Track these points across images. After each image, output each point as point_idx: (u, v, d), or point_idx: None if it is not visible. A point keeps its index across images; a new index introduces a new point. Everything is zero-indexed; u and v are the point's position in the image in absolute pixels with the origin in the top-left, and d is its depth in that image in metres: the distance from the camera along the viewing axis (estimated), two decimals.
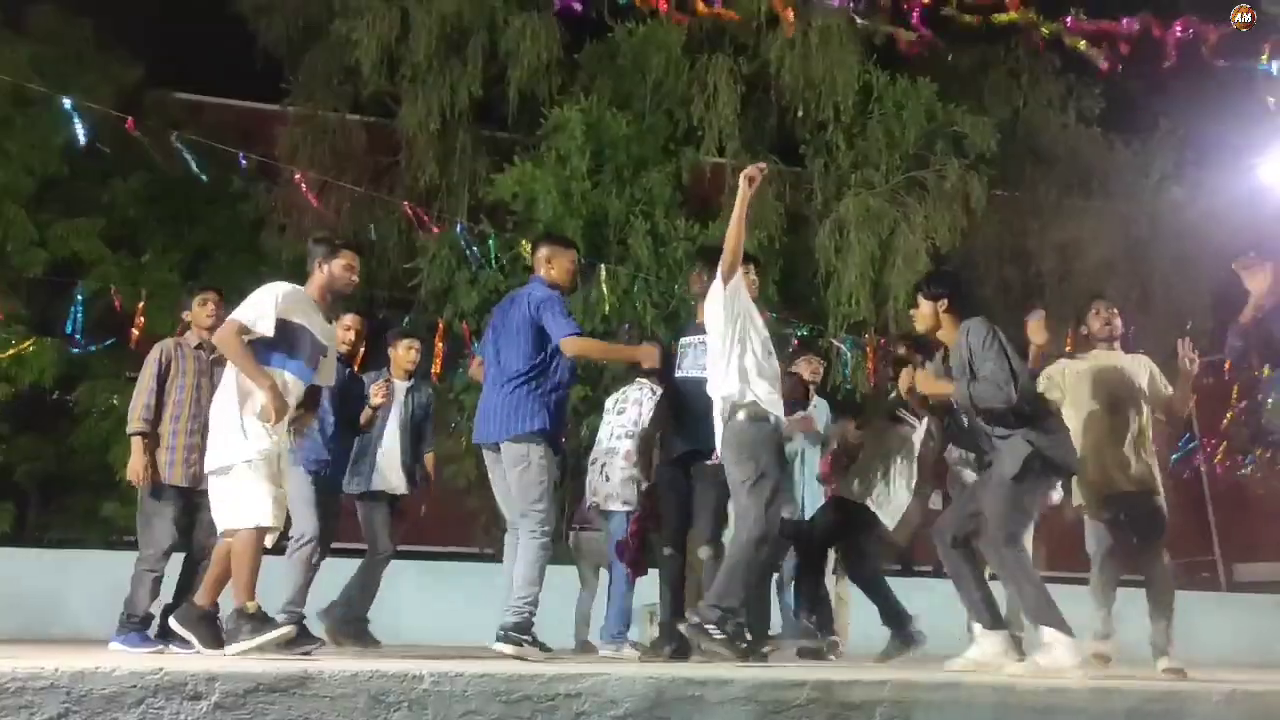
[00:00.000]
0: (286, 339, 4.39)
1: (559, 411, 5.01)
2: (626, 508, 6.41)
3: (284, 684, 2.65)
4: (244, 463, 4.20)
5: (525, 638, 4.65)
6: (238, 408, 4.27)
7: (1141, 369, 5.51)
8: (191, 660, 3.44)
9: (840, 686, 3.06)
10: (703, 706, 2.92)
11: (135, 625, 5.20)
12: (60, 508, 13.61)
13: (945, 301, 4.72)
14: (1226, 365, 5.03)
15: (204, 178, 9.03)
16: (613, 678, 2.91)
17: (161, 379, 5.42)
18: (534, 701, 2.80)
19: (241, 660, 3.46)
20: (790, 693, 2.99)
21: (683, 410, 5.29)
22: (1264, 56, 5.84)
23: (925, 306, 4.79)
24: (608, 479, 6.51)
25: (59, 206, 13.15)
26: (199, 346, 5.55)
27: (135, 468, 5.34)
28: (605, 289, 11.37)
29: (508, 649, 4.57)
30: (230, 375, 4.37)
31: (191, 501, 5.32)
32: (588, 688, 2.86)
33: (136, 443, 5.35)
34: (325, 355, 4.64)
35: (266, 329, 4.32)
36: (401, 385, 6.46)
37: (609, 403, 6.89)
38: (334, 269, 4.61)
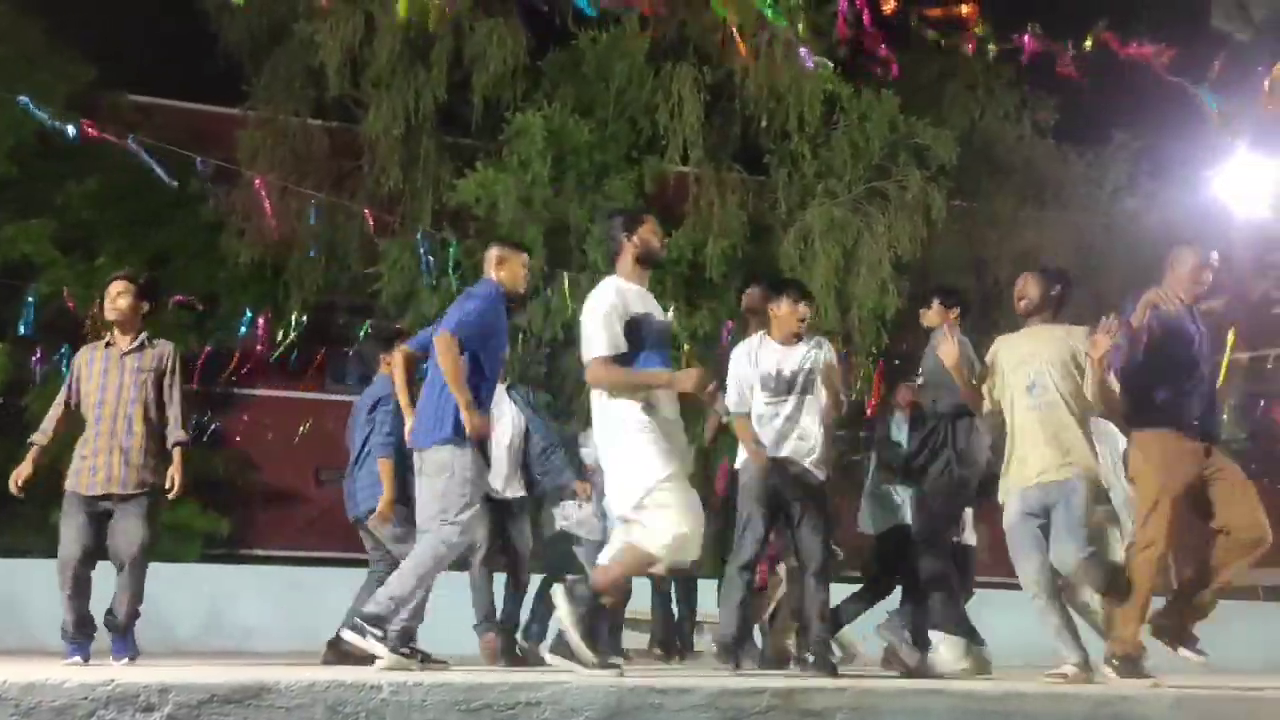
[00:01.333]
0: (640, 336, 4.06)
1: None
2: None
3: (239, 695, 2.61)
4: (654, 489, 3.86)
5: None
6: (625, 439, 3.94)
7: (1067, 343, 4.82)
8: (143, 671, 3.39)
9: (800, 694, 3.07)
10: (663, 714, 2.92)
11: (67, 638, 5.02)
12: (11, 515, 13.31)
13: (957, 311, 5.50)
14: None
15: (166, 178, 8.85)
16: (573, 686, 2.90)
17: (73, 387, 5.14)
18: (494, 710, 2.78)
19: (195, 670, 3.41)
20: (750, 700, 3.00)
21: None
22: (1210, 98, 6.02)
23: (938, 310, 5.49)
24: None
25: (13, 208, 12.93)
26: (109, 345, 5.14)
27: (15, 475, 5.12)
28: (566, 296, 11.36)
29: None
30: (602, 411, 4.05)
31: (100, 509, 5.06)
32: (548, 696, 2.84)
33: (31, 451, 5.14)
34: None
35: (622, 345, 4.00)
36: None
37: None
38: (642, 236, 4.20)
